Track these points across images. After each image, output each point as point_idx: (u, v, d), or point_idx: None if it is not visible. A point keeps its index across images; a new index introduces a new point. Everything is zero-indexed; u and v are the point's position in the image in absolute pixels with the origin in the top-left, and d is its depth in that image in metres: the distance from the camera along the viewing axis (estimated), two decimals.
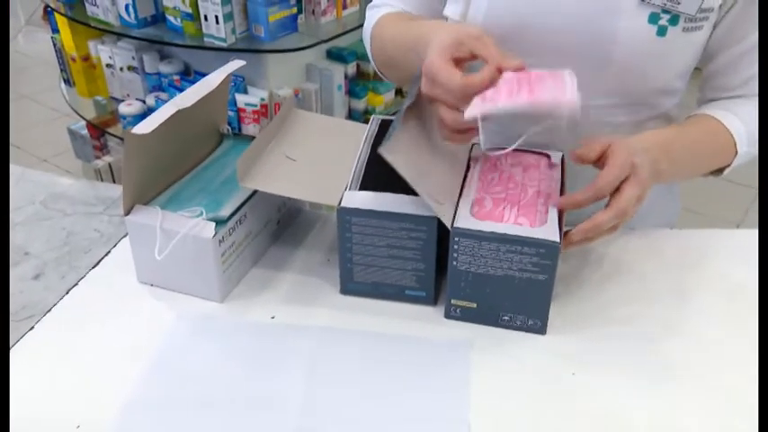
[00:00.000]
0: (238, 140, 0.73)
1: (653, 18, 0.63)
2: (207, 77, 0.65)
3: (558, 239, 0.53)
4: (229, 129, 0.73)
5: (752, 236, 0.66)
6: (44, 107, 2.72)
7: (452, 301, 0.58)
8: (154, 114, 0.58)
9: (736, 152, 0.67)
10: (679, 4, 0.62)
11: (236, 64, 0.68)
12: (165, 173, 0.64)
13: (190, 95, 0.62)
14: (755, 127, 0.67)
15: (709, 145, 0.68)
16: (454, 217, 0.56)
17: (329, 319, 0.60)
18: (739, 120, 0.67)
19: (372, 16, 0.76)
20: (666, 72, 0.68)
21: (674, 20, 0.63)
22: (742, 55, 0.66)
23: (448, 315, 0.59)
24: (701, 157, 0.68)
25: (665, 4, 0.62)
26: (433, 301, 0.61)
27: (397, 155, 0.52)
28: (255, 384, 0.53)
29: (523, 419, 0.51)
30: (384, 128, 0.69)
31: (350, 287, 0.62)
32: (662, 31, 0.63)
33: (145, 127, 0.56)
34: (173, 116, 0.59)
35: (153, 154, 0.60)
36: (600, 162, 0.58)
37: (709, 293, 0.63)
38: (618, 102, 0.69)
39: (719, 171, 0.71)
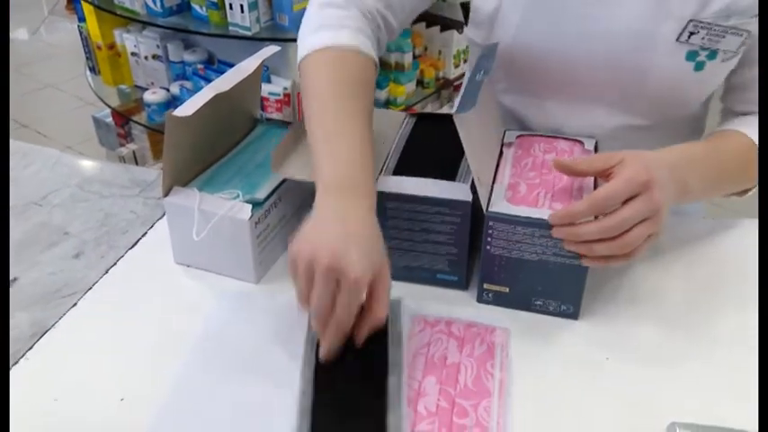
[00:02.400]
0: (271, 126, 0.73)
1: (691, 56, 0.60)
2: (241, 63, 0.66)
3: None
4: (262, 114, 0.74)
5: None
6: (69, 96, 2.76)
7: (485, 285, 0.59)
8: (194, 97, 0.59)
9: None
10: (720, 42, 0.59)
11: (270, 50, 0.68)
12: (202, 155, 0.65)
13: (227, 80, 0.63)
14: None
15: (741, 162, 0.62)
16: (489, 201, 0.56)
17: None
18: None
19: (312, 36, 0.60)
20: (701, 96, 0.67)
21: (713, 55, 0.60)
22: None
23: (480, 299, 0.60)
24: (732, 174, 0.63)
25: (704, 43, 0.59)
26: (464, 285, 0.62)
27: (464, 126, 0.51)
28: (294, 363, 0.54)
29: (558, 404, 0.51)
30: (420, 121, 0.69)
31: None
32: (700, 66, 0.61)
33: (186, 109, 0.57)
34: (211, 99, 0.60)
35: (192, 136, 0.61)
36: (607, 176, 0.52)
37: (743, 281, 0.63)
38: (653, 123, 0.67)
39: (744, 192, 0.66)
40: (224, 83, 0.62)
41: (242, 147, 0.69)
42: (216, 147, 0.67)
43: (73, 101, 2.71)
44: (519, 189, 0.58)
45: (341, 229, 0.48)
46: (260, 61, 0.66)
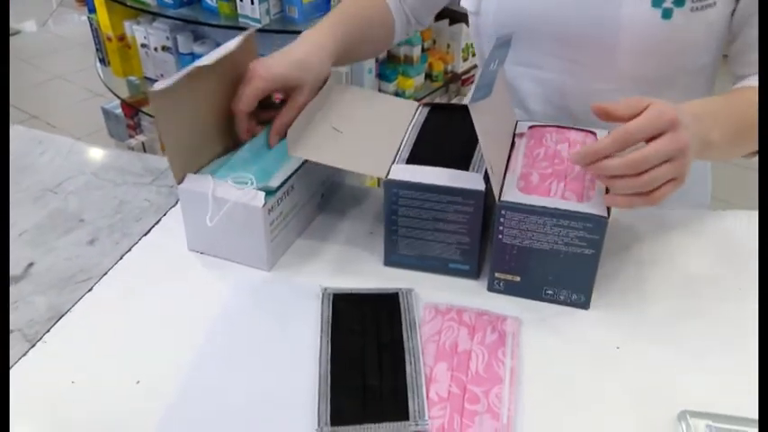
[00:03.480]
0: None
1: (656, 1, 0.61)
2: (229, 42, 0.65)
3: (605, 214, 0.53)
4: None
5: None
6: (78, 87, 2.77)
7: (496, 274, 0.59)
8: (174, 75, 0.59)
9: None
10: None
11: (251, 30, 0.68)
12: (207, 139, 0.65)
13: (211, 55, 0.62)
14: None
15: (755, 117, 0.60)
16: (501, 190, 0.56)
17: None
18: None
19: None
20: (683, 52, 0.66)
21: (680, 1, 0.60)
22: None
23: (491, 288, 0.60)
24: (752, 127, 0.60)
25: None
26: (476, 274, 0.62)
27: (480, 115, 0.51)
28: (307, 349, 0.55)
29: (569, 392, 0.52)
30: (433, 111, 0.69)
31: (393, 259, 0.63)
32: (667, 14, 0.61)
33: (164, 83, 0.57)
34: (194, 75, 0.59)
35: (184, 114, 0.60)
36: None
37: (751, 272, 0.63)
38: (634, 85, 0.67)
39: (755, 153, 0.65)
40: (208, 57, 0.61)
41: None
42: (222, 128, 0.66)
43: (82, 92, 2.72)
44: (531, 179, 0.58)
45: (281, 51, 0.67)
46: (242, 38, 0.65)
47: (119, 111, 2.10)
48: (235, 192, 0.60)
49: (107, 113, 2.14)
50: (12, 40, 3.24)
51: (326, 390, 0.49)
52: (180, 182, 0.61)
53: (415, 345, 0.53)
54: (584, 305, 0.58)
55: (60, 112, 2.59)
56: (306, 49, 0.67)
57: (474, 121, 0.51)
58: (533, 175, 0.59)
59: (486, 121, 0.54)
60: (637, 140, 0.50)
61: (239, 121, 0.65)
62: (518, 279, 0.59)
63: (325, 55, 0.67)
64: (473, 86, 0.56)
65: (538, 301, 0.59)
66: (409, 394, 0.48)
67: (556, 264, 0.56)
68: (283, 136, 0.64)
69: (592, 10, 0.63)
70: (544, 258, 0.56)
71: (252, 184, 0.61)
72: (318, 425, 0.47)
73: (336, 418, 0.47)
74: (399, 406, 0.47)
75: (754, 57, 0.64)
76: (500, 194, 0.56)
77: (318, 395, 0.49)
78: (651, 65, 0.66)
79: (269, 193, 0.60)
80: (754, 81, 0.64)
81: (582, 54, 0.68)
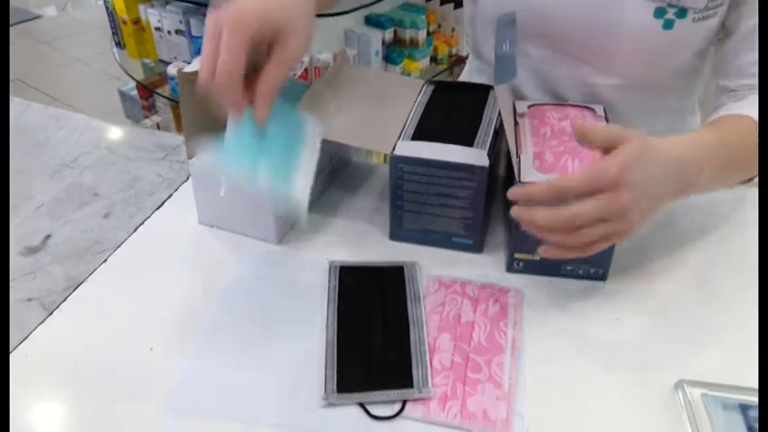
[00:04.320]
0: (290, 84, 0.71)
1: (659, 13, 0.58)
2: None
3: None
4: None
5: None
6: (96, 70, 2.74)
7: (516, 255, 0.57)
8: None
9: None
10: None
11: None
12: (221, 116, 0.63)
13: None
14: None
15: (749, 152, 0.55)
16: (519, 172, 0.53)
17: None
18: None
19: None
20: (678, 57, 0.63)
21: (682, 13, 0.57)
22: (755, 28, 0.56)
23: (510, 269, 0.58)
24: (740, 164, 0.56)
25: (671, 0, 0.56)
26: (479, 248, 0.61)
27: (503, 98, 0.49)
28: (315, 320, 0.54)
29: (569, 360, 0.51)
30: (438, 89, 0.67)
31: (399, 233, 0.62)
32: (668, 25, 0.58)
33: (193, 66, 0.56)
34: None
35: (205, 97, 0.59)
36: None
37: (754, 249, 0.61)
38: (630, 83, 0.65)
39: (750, 179, 0.59)
40: None
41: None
42: None
43: (100, 75, 2.69)
44: (545, 158, 0.56)
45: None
46: None
47: (134, 92, 2.08)
48: None
49: (123, 95, 2.12)
50: (33, 24, 3.21)
51: (333, 358, 0.48)
52: (191, 157, 0.60)
53: (419, 315, 0.52)
54: (603, 277, 0.57)
55: (79, 94, 2.57)
56: None
57: (499, 104, 0.49)
58: (547, 154, 0.57)
59: (507, 104, 0.52)
60: (573, 195, 0.45)
61: (234, 88, 0.47)
62: (537, 258, 0.57)
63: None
64: (494, 69, 0.53)
65: (541, 276, 0.58)
66: (413, 363, 0.47)
67: None
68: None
69: (595, 12, 0.60)
70: None
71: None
72: (325, 391, 0.46)
73: (342, 385, 0.46)
74: (404, 374, 0.46)
75: (740, 60, 0.59)
76: (519, 175, 0.53)
77: (325, 363, 0.48)
78: (648, 67, 0.64)
79: None
80: (742, 108, 0.57)
81: (580, 52, 0.65)
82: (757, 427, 0.45)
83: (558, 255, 0.47)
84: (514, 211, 0.47)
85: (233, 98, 0.47)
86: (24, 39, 3.05)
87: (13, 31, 3.11)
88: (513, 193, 0.47)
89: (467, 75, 0.82)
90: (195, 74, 0.56)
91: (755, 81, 0.58)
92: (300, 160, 0.54)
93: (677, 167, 0.48)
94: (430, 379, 0.46)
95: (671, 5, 0.57)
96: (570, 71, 0.67)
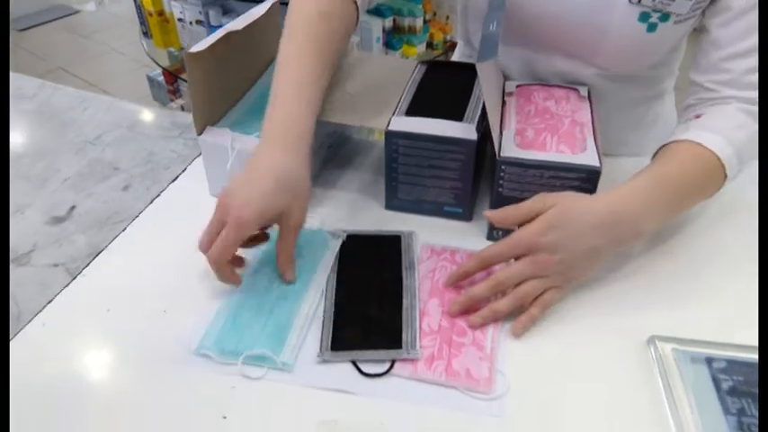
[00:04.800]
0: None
1: (643, 17, 0.52)
2: (254, 8, 0.59)
3: (598, 164, 0.48)
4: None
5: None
6: (128, 58, 2.67)
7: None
8: (209, 37, 0.54)
9: (726, 176, 0.49)
10: (670, 4, 0.50)
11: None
12: (227, 94, 0.59)
13: (240, 21, 0.57)
14: (745, 142, 0.49)
15: (697, 180, 0.49)
16: (499, 147, 0.50)
17: (376, 229, 0.57)
18: (725, 140, 0.48)
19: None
20: (659, 53, 0.59)
21: (665, 17, 0.52)
22: (732, 22, 0.50)
23: (490, 237, 0.54)
24: (690, 196, 0.50)
25: (656, 5, 0.51)
26: (469, 217, 0.57)
27: (485, 74, 0.46)
28: (317, 282, 0.51)
29: (547, 322, 0.47)
30: (431, 68, 0.62)
31: (394, 203, 0.58)
32: (652, 28, 0.53)
33: (200, 46, 0.52)
34: (226, 39, 0.54)
35: (213, 74, 0.55)
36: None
37: (719, 215, 0.57)
38: (609, 74, 0.61)
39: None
40: (237, 24, 0.56)
41: (266, 85, 0.63)
42: (240, 85, 0.61)
43: (132, 63, 2.62)
44: (526, 134, 0.52)
45: (248, 176, 0.46)
46: (270, 3, 0.59)
47: (161, 78, 2.02)
48: (250, 142, 0.55)
49: (151, 80, 2.07)
50: (73, 18, 3.13)
51: (330, 318, 0.45)
52: (200, 132, 0.56)
53: (412, 282, 0.48)
54: None
55: (114, 80, 2.51)
56: (284, 163, 0.46)
57: (481, 81, 0.45)
58: (528, 131, 0.52)
59: (490, 81, 0.48)
60: (496, 263, 0.46)
61: (221, 269, 0.46)
62: (516, 228, 0.53)
63: (303, 158, 0.47)
64: (478, 47, 0.49)
65: None
66: (403, 326, 0.44)
67: None
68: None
69: (585, 15, 0.55)
70: None
71: None
72: (320, 349, 0.43)
73: (337, 344, 0.43)
74: (394, 336, 0.43)
75: (713, 57, 0.52)
76: (499, 150, 0.49)
77: (323, 323, 0.45)
78: (628, 63, 0.59)
79: None
80: (690, 133, 0.50)
81: (566, 46, 0.60)
82: (721, 377, 0.43)
83: (520, 329, 0.45)
84: (457, 304, 0.46)
85: (220, 275, 0.47)
86: (66, 32, 2.98)
87: (55, 25, 3.04)
88: (450, 277, 0.48)
89: (456, 60, 0.77)
90: (202, 53, 0.52)
91: (726, 77, 0.51)
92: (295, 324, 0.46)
93: (609, 225, 0.45)
94: (418, 341, 0.44)
95: (655, 11, 0.52)
96: (551, 63, 0.62)
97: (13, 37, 2.87)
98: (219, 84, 0.57)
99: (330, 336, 0.44)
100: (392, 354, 0.42)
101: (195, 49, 0.51)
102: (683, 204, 0.51)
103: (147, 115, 0.76)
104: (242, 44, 0.57)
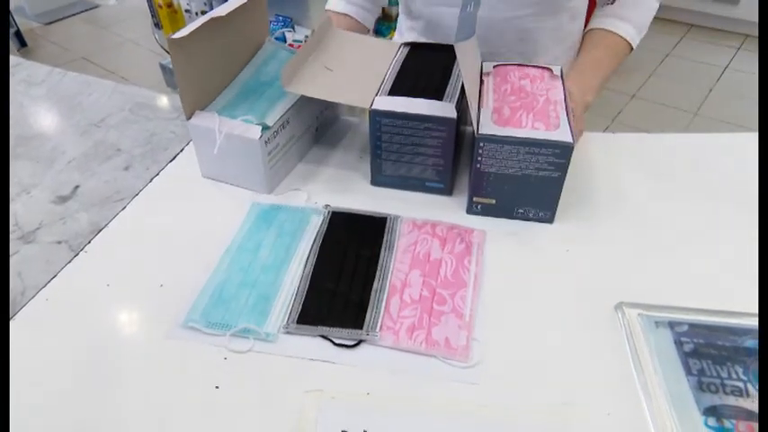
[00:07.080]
0: (279, 49, 0.60)
1: None
2: None
3: (571, 140, 0.43)
4: (271, 39, 0.60)
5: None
6: (144, 48, 2.55)
7: (474, 199, 0.49)
8: (191, 23, 0.47)
9: (632, 48, 0.62)
10: None
11: None
12: (214, 80, 0.53)
13: (224, 7, 0.50)
14: (641, 19, 0.61)
15: (612, 57, 0.61)
16: (477, 124, 0.45)
17: (362, 205, 0.52)
18: (630, 24, 0.60)
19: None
20: None
21: None
22: None
23: (469, 211, 0.50)
24: (611, 68, 0.61)
25: None
26: (449, 192, 0.52)
27: (463, 54, 0.41)
28: (300, 256, 0.46)
29: (521, 291, 0.44)
30: (413, 50, 0.56)
31: (379, 179, 0.53)
32: None
33: (182, 32, 0.45)
34: (210, 25, 0.48)
35: (198, 59, 0.49)
36: None
37: (685, 184, 0.53)
38: (537, 9, 0.59)
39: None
40: (221, 10, 0.49)
41: (253, 69, 0.57)
42: (227, 70, 0.55)
43: (147, 52, 2.51)
44: (503, 112, 0.47)
45: None
46: None
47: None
48: (236, 126, 0.49)
49: (163, 68, 1.96)
50: (94, 12, 2.99)
51: (303, 291, 0.41)
52: (189, 118, 0.50)
53: (387, 264, 0.44)
54: (550, 220, 0.49)
55: (131, 68, 2.40)
56: None
57: (459, 61, 0.39)
58: (505, 109, 0.47)
59: (467, 61, 0.42)
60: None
61: None
62: (494, 202, 0.49)
63: None
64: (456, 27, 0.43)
65: (505, 219, 0.50)
66: (369, 307, 0.40)
67: (527, 186, 0.46)
68: None
69: None
70: (517, 182, 0.46)
71: (252, 120, 0.50)
72: (287, 320, 0.39)
73: (303, 318, 0.39)
74: (357, 316, 0.39)
75: None
76: (478, 128, 0.44)
77: (295, 295, 0.41)
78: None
79: (265, 127, 0.49)
80: (605, 23, 0.61)
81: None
82: (683, 339, 0.40)
83: None
84: None
85: None
86: (87, 24, 2.85)
87: (77, 18, 2.90)
88: None
89: (398, 36, 0.70)
90: (183, 39, 0.45)
91: None
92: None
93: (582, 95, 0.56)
94: (379, 324, 0.40)
95: None
96: (488, 12, 0.59)
97: (40, 30, 2.75)
98: (206, 69, 0.51)
99: (299, 309, 0.40)
100: (352, 333, 0.39)
101: (178, 35, 0.45)
102: (607, 78, 0.61)
103: (149, 99, 0.70)
104: (227, 30, 0.51)
